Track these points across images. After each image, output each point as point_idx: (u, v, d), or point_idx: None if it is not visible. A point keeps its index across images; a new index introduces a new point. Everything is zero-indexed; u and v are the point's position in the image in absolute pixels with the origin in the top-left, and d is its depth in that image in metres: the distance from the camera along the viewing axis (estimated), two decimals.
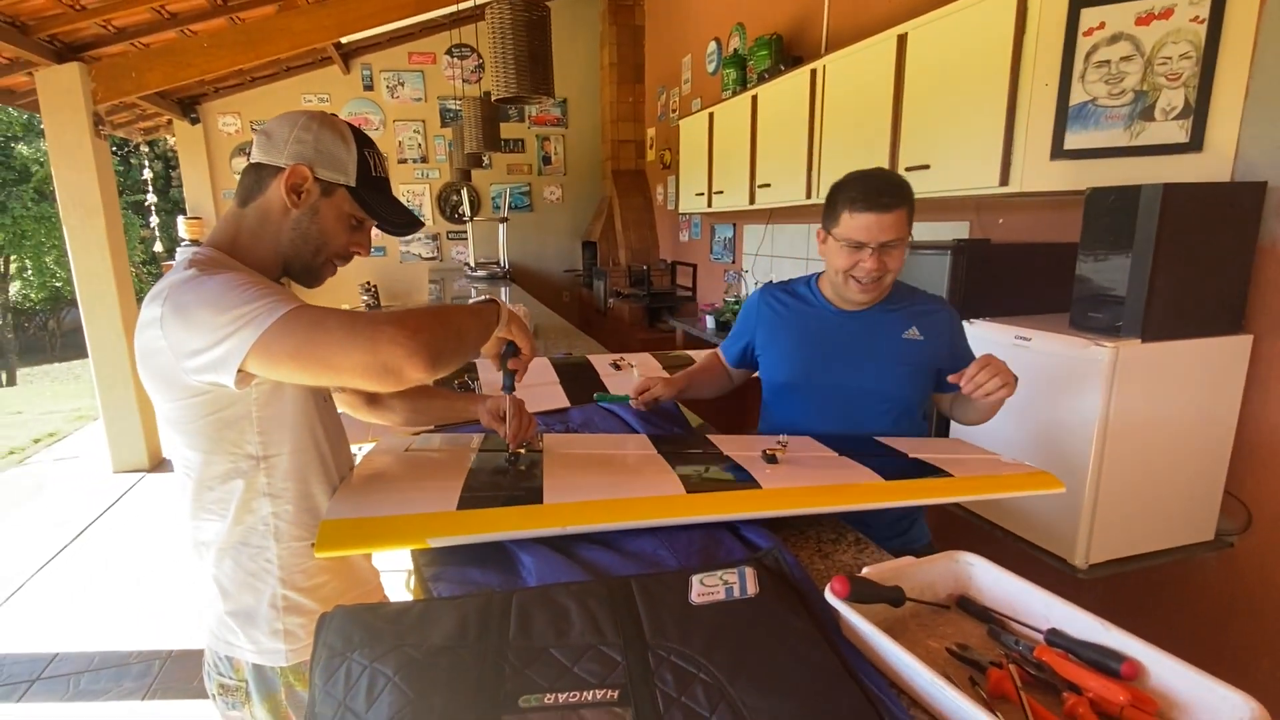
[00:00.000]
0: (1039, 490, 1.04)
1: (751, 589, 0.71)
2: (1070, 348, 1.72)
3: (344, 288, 5.34)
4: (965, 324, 2.02)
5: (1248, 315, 1.78)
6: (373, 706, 0.55)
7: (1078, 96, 1.96)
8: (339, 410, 1.19)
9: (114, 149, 7.90)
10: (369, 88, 5.95)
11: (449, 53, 5.79)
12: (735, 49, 4.18)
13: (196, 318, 0.75)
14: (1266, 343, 1.76)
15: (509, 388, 1.05)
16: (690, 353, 2.03)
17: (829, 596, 0.69)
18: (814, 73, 2.92)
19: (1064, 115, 1.99)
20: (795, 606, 0.70)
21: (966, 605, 0.77)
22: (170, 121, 5.56)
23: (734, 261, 4.56)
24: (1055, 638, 0.68)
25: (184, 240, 5.44)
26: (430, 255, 6.05)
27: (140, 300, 0.96)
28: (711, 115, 3.95)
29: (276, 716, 0.95)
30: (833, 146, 2.87)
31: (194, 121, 5.58)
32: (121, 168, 13.16)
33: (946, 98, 2.27)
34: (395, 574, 1.33)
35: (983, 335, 1.97)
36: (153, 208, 6.48)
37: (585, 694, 0.57)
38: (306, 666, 0.95)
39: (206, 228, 5.56)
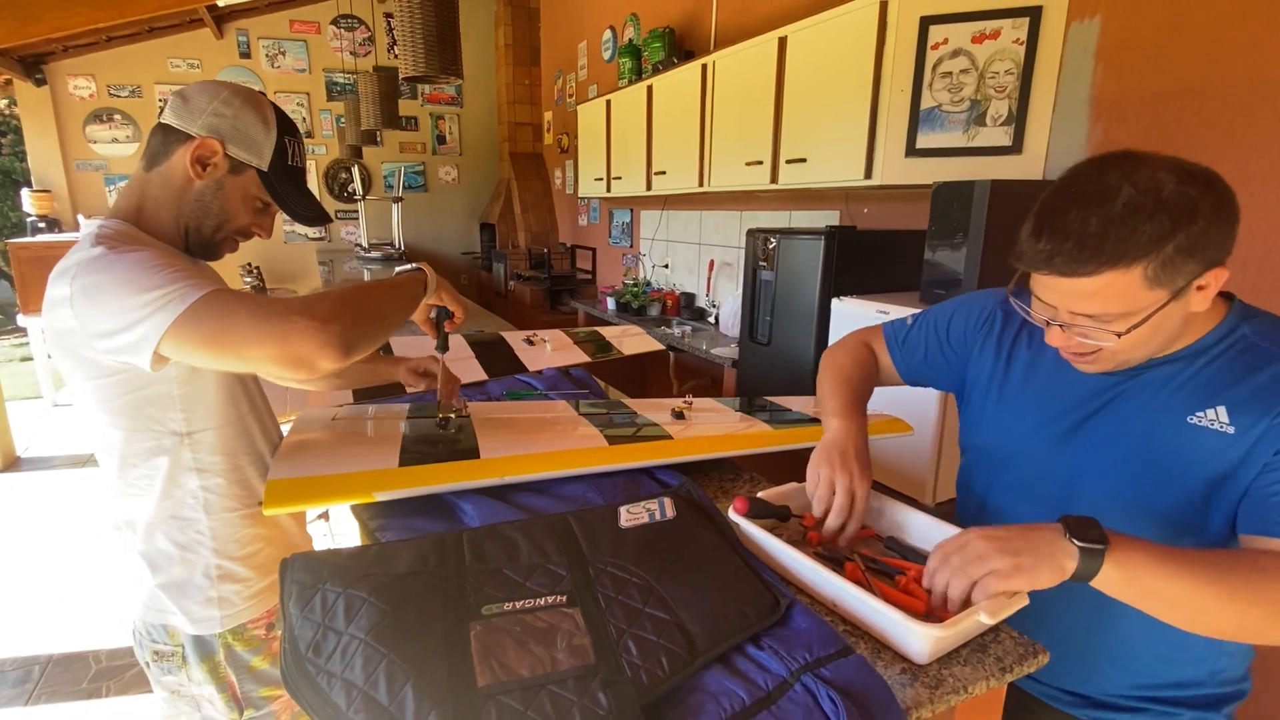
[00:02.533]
0: (893, 433, 1.27)
1: (670, 513, 0.85)
2: None
3: (224, 269, 4.94)
4: (835, 300, 2.30)
5: None
6: (353, 622, 0.63)
7: (927, 102, 2.27)
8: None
9: None
10: (246, 55, 5.51)
11: (335, 23, 5.48)
12: (630, 39, 4.30)
13: (108, 299, 0.74)
14: None
15: (443, 347, 1.10)
16: (599, 329, 2.15)
17: (731, 514, 0.85)
18: (705, 67, 3.10)
19: (916, 118, 2.29)
20: (705, 524, 0.85)
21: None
22: (9, 82, 4.87)
23: (632, 245, 4.71)
24: (891, 544, 0.88)
25: (30, 216, 4.80)
26: (318, 235, 5.73)
27: None
28: (609, 102, 4.05)
29: (216, 676, 0.98)
30: (722, 138, 3.07)
31: (39, 83, 4.92)
32: None
33: (821, 97, 2.51)
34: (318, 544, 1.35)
35: (848, 311, 2.24)
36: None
37: (538, 600, 0.69)
38: (245, 627, 0.99)
39: (57, 202, 4.94)
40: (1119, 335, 0.72)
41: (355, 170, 4.50)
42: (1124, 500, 0.80)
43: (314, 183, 5.75)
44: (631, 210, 4.64)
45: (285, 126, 0.95)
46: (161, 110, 0.91)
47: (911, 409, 2.05)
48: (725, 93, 3.01)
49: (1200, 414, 0.76)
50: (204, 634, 0.96)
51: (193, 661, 0.97)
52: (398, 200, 4.27)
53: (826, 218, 3.04)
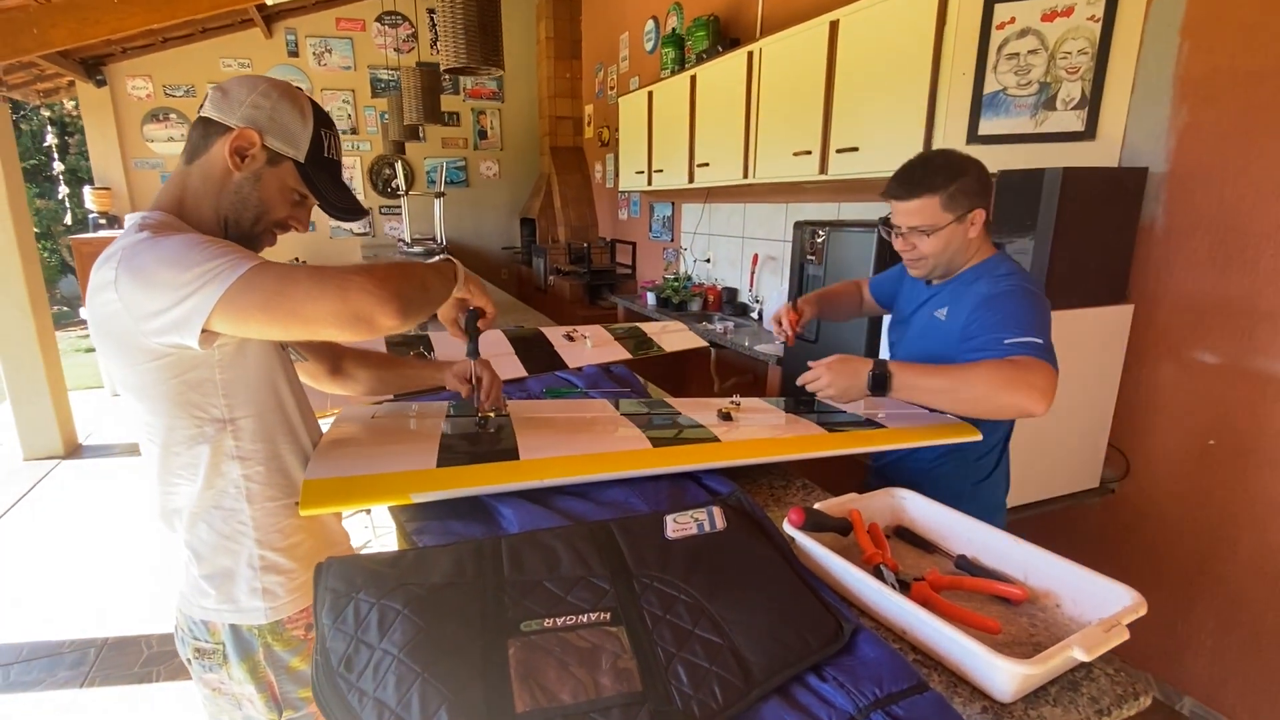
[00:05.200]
0: (958, 439, 1.18)
1: (720, 524, 0.80)
2: None
3: None
4: None
5: (1130, 287, 2.01)
6: (386, 636, 0.60)
7: (990, 86, 2.14)
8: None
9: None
10: (294, 54, 5.63)
11: (379, 20, 5.54)
12: (673, 28, 4.22)
13: (156, 277, 0.75)
14: (1144, 311, 1.99)
15: (474, 352, 1.08)
16: (639, 325, 2.10)
17: (786, 526, 0.79)
18: (750, 55, 3.01)
19: (979, 103, 2.16)
20: (758, 536, 0.79)
21: (903, 533, 0.88)
22: (72, 83, 5.08)
23: (672, 240, 4.65)
24: (963, 563, 0.80)
25: (92, 213, 5.00)
26: (362, 231, 5.82)
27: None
28: (651, 94, 3.99)
29: (255, 676, 0.97)
30: (769, 128, 2.98)
31: (100, 84, 5.12)
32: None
33: (875, 83, 2.40)
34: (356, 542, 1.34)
35: None
36: (61, 177, 5.90)
37: (580, 617, 0.64)
38: (284, 626, 0.97)
39: (116, 199, 5.14)
40: (928, 235, 1.23)
41: (399, 166, 4.55)
42: (924, 355, 1.32)
43: (359, 178, 5.84)
44: (673, 204, 4.57)
45: (321, 119, 0.93)
46: (203, 105, 0.90)
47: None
48: (772, 81, 2.92)
49: (939, 311, 1.31)
50: (248, 624, 0.95)
51: (233, 660, 0.96)
52: (440, 195, 4.29)
53: (878, 210, 2.92)
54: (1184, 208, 1.89)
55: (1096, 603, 0.69)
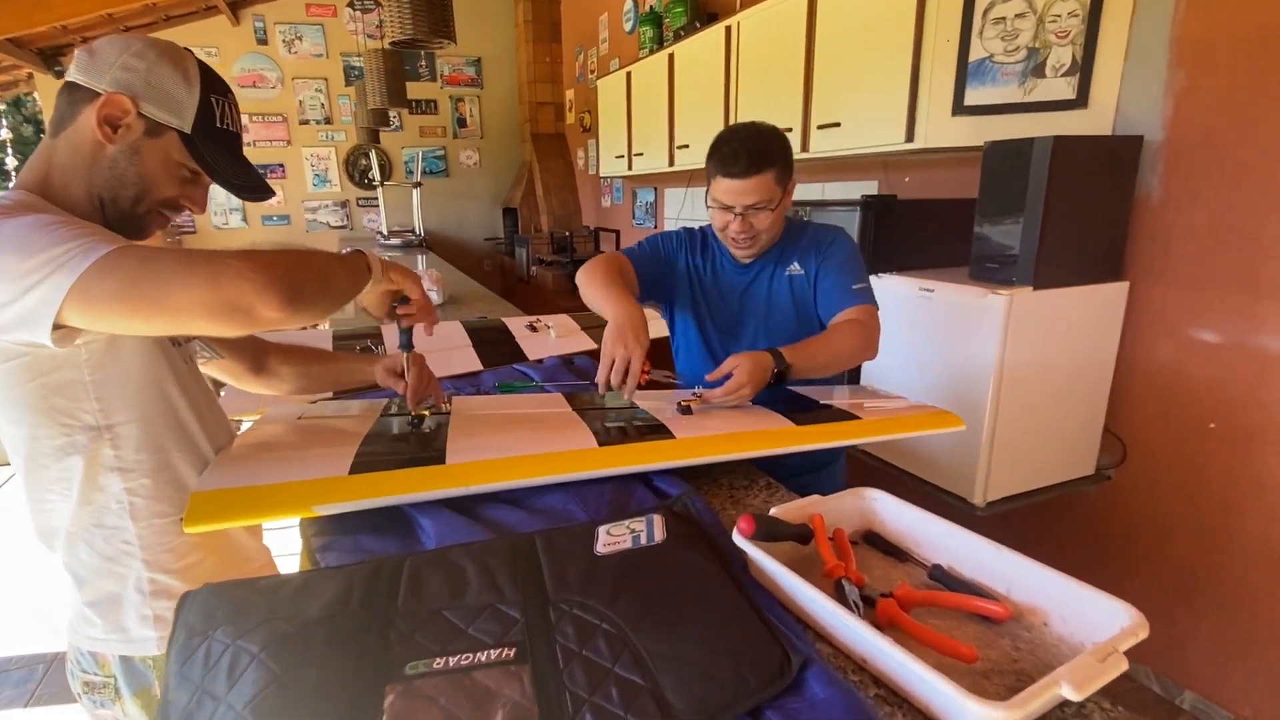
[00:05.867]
0: (941, 429, 1.08)
1: (659, 535, 0.69)
2: (969, 296, 1.80)
3: None
4: (874, 279, 2.08)
5: (1125, 263, 1.91)
6: (234, 688, 0.49)
7: (976, 53, 2.02)
8: (221, 380, 1.09)
9: None
10: (263, 41, 5.46)
11: (350, 5, 5.38)
12: (651, 6, 4.08)
13: None
14: (1141, 288, 1.89)
15: (405, 345, 0.98)
16: None
17: (736, 537, 0.68)
18: (728, 30, 2.88)
19: (964, 72, 2.04)
20: (702, 550, 0.68)
21: (873, 539, 0.78)
22: (31, 75, 4.91)
23: (656, 226, 4.53)
24: (938, 573, 0.70)
25: None
26: (340, 223, 5.68)
27: None
28: (629, 75, 3.86)
29: (151, 711, 0.87)
30: (748, 105, 2.86)
31: (59, 75, 4.95)
32: None
33: (856, 55, 2.28)
34: (291, 557, 1.24)
35: (890, 289, 2.03)
36: (14, 173, 5.73)
37: (479, 655, 0.54)
38: None
39: None
40: (768, 212, 1.23)
41: (373, 155, 4.40)
42: (777, 329, 1.34)
43: (334, 169, 5.69)
44: (655, 189, 4.45)
45: (212, 84, 0.82)
46: (68, 69, 0.79)
47: (961, 400, 1.85)
48: (751, 56, 2.80)
49: (790, 268, 1.34)
50: (140, 655, 0.85)
51: (126, 695, 0.86)
52: (417, 185, 4.15)
53: (863, 189, 2.81)
54: (1182, 178, 1.78)
55: (1089, 621, 0.59)
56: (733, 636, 0.56)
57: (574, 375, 1.42)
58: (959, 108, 2.08)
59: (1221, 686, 1.81)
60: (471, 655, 0.54)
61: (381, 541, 0.78)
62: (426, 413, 1.04)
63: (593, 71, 5.06)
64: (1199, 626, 1.85)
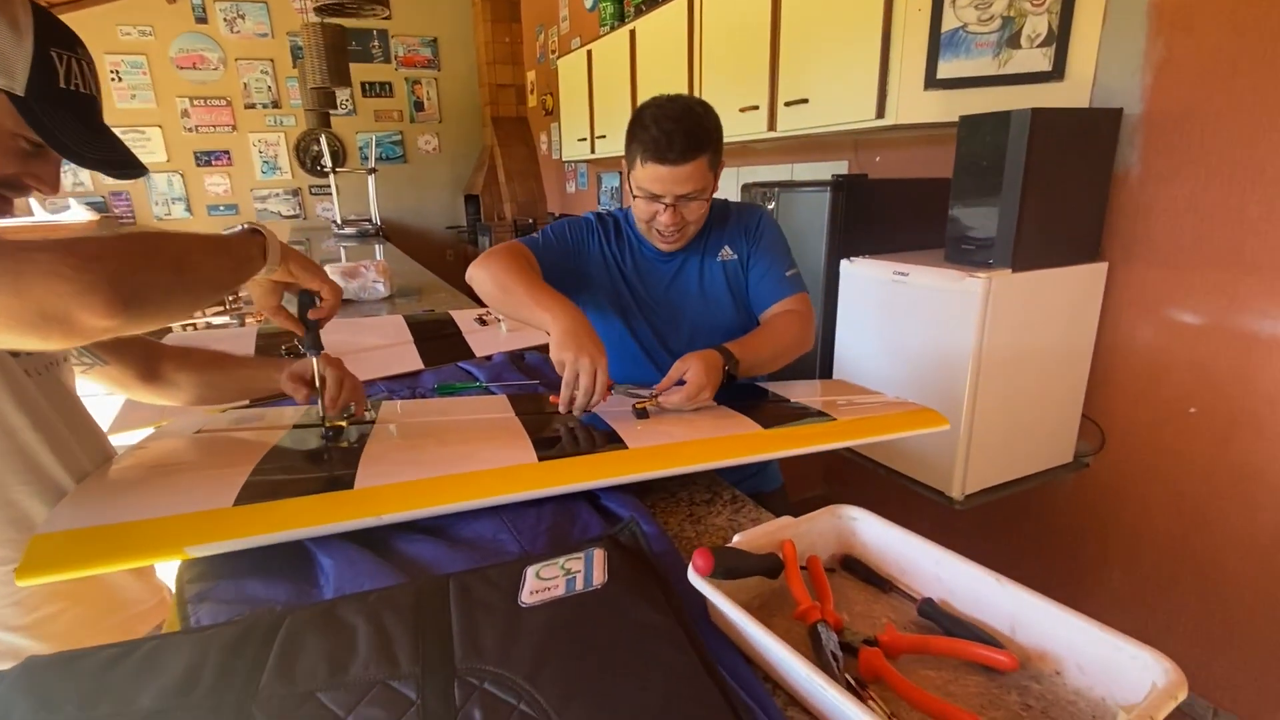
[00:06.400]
0: (924, 429, 0.98)
1: (598, 578, 0.57)
2: (945, 280, 1.71)
3: None
4: (845, 264, 1.98)
5: (1103, 243, 1.84)
6: None
7: (949, 22, 1.92)
8: (108, 389, 0.94)
9: None
10: (202, 20, 5.14)
11: None
12: None
13: None
14: (1119, 270, 1.82)
15: (313, 345, 0.84)
16: None
17: (692, 576, 0.57)
18: (691, 2, 2.75)
19: (936, 43, 1.94)
20: (650, 594, 0.57)
21: (852, 566, 0.67)
22: None
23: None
24: (929, 609, 0.60)
25: None
26: (292, 213, 5.41)
27: None
28: (590, 53, 3.70)
29: None
30: (713, 83, 2.73)
31: None
32: None
33: (824, 26, 2.17)
34: None
35: (861, 274, 1.94)
36: None
37: None
38: None
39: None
40: (706, 200, 1.13)
41: (324, 140, 4.17)
42: (717, 321, 1.24)
43: (284, 155, 5.41)
44: (620, 173, 4.30)
45: (51, 34, 0.66)
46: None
47: (938, 389, 1.76)
48: (715, 29, 2.67)
49: (722, 253, 1.23)
50: None
51: None
52: (371, 172, 3.94)
53: (833, 169, 2.71)
54: (1161, 152, 1.71)
55: (1113, 672, 0.48)
56: (676, 711, 0.45)
57: (523, 374, 1.29)
58: (931, 81, 1.98)
59: (1202, 675, 1.76)
60: None
61: (270, 587, 0.65)
62: (344, 423, 0.90)
63: (554, 51, 4.88)
64: (1179, 615, 1.81)
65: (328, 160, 4.01)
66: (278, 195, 5.45)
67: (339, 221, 4.20)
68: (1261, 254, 1.56)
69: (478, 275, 1.10)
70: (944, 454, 1.78)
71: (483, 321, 1.64)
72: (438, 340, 1.49)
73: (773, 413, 0.98)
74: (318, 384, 0.88)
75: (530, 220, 4.79)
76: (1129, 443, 1.89)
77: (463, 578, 0.59)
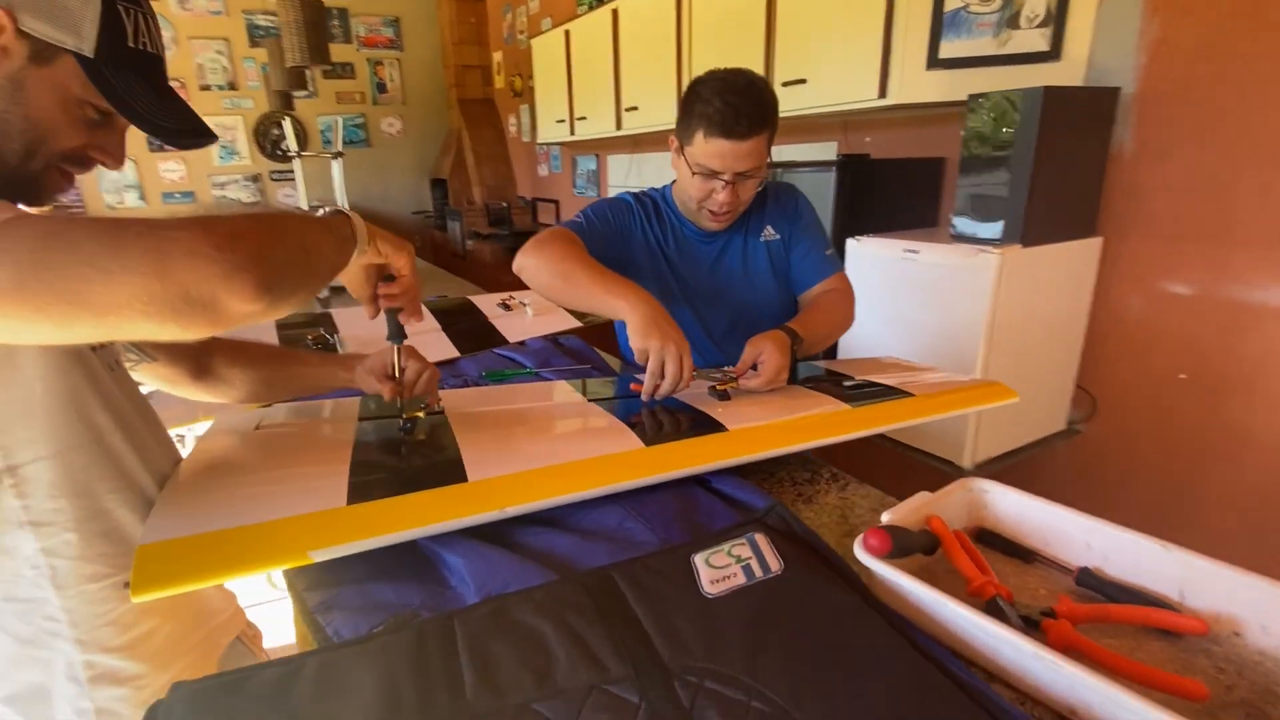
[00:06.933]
0: (996, 402, 0.99)
1: (773, 564, 0.55)
2: (958, 256, 1.73)
3: None
4: (853, 243, 2.00)
5: (1100, 218, 1.90)
6: None
7: (951, 3, 1.93)
8: (150, 388, 0.86)
9: None
10: None
11: None
12: None
13: None
14: (1113, 244, 1.89)
15: (396, 335, 0.79)
16: None
17: (864, 557, 0.55)
18: None
19: (939, 23, 1.96)
20: (830, 577, 0.55)
21: (988, 539, 0.67)
22: None
23: (599, 195, 4.33)
24: (1087, 578, 0.60)
25: None
26: (252, 200, 5.12)
27: None
28: (568, 33, 3.60)
29: None
30: (704, 62, 2.69)
31: None
32: None
33: (824, 8, 2.16)
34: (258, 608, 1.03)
35: (869, 253, 1.96)
36: None
37: None
38: None
39: None
40: (760, 179, 1.11)
41: (287, 123, 3.94)
42: (762, 302, 1.24)
43: (243, 140, 5.11)
44: (597, 156, 4.23)
45: None
46: None
47: (949, 363, 1.80)
48: (706, 9, 2.63)
49: (765, 233, 1.22)
50: None
51: None
52: (338, 156, 3.76)
53: (822, 150, 2.72)
54: (1155, 130, 1.77)
55: None
56: (927, 706, 0.44)
57: (569, 358, 1.25)
58: (934, 61, 2.00)
59: None
60: None
61: (399, 591, 0.61)
62: (420, 413, 0.86)
63: (522, 32, 4.74)
64: None
65: (292, 144, 3.79)
66: (237, 181, 5.15)
67: (305, 208, 4.01)
68: (1251, 228, 1.64)
69: (530, 264, 1.06)
70: (956, 424, 1.82)
71: (506, 306, 1.59)
72: (465, 327, 1.43)
73: (852, 391, 0.97)
74: (397, 376, 0.83)
75: (503, 204, 4.67)
76: (1120, 410, 1.97)
77: (626, 570, 0.56)
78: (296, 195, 4.82)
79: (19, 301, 0.43)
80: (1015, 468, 2.01)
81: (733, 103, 1.00)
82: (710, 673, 0.45)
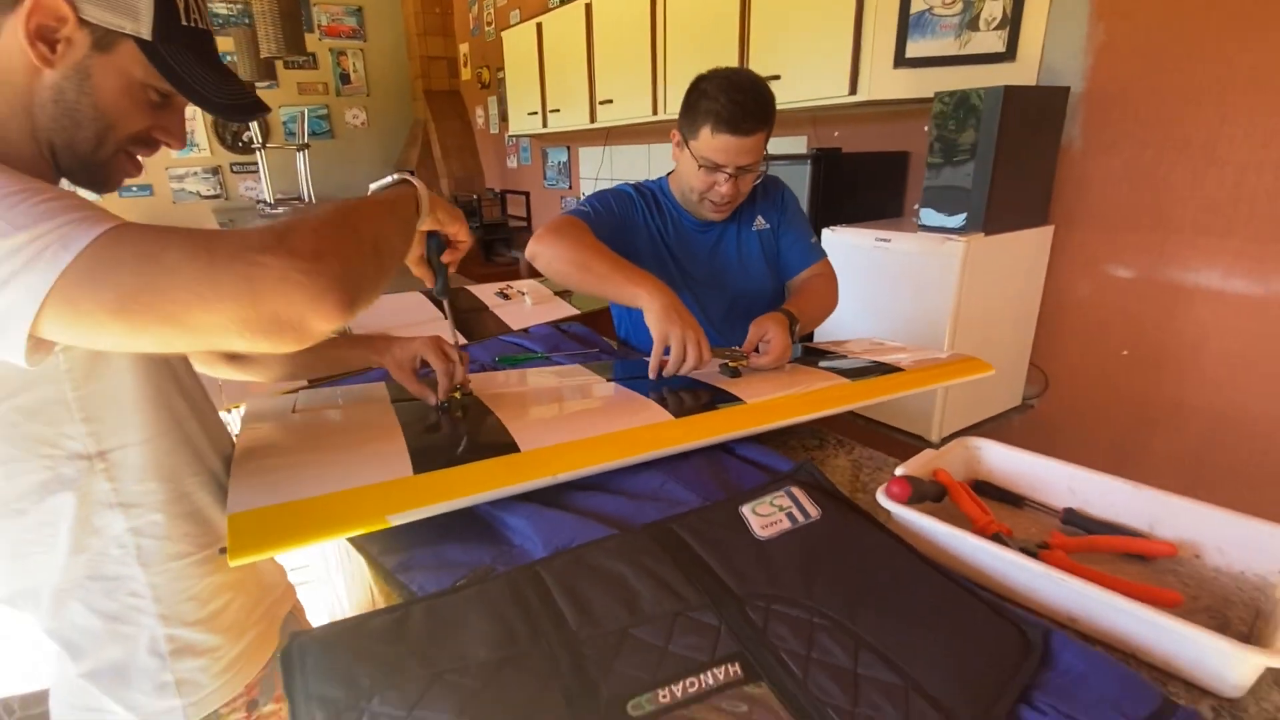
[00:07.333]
0: (974, 375, 1.09)
1: (812, 511, 0.63)
2: (927, 244, 1.85)
3: None
4: (828, 233, 2.11)
5: (1051, 209, 2.05)
6: None
7: (917, 5, 2.05)
8: None
9: None
10: None
11: None
12: None
13: None
14: (1063, 232, 2.04)
15: (443, 290, 0.83)
16: None
17: (887, 502, 0.64)
18: None
19: (905, 23, 2.07)
20: (860, 520, 0.63)
21: (983, 489, 0.77)
22: None
23: (570, 187, 4.35)
24: (1072, 517, 0.70)
25: None
26: (212, 193, 4.95)
27: None
28: (540, 26, 3.61)
29: None
30: (679, 58, 2.76)
31: None
32: None
33: (797, 7, 2.25)
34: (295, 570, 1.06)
35: (843, 241, 2.06)
36: None
37: (702, 678, 0.46)
38: (219, 715, 0.71)
39: None
40: (758, 172, 1.19)
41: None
42: (755, 288, 1.32)
43: (201, 132, 4.93)
44: (568, 148, 4.26)
45: None
46: None
47: (921, 343, 1.92)
48: (681, 5, 2.69)
49: (756, 223, 1.31)
50: None
51: None
52: (304, 148, 3.69)
53: (792, 144, 2.82)
54: (1101, 127, 1.92)
55: (1252, 549, 0.60)
56: (958, 614, 0.52)
57: (577, 343, 1.31)
58: (901, 60, 2.11)
59: None
60: (695, 680, 0.45)
61: (468, 550, 0.66)
62: (455, 394, 0.91)
63: (489, 24, 4.71)
64: None
65: (256, 136, 3.71)
66: (196, 174, 4.97)
67: (270, 201, 3.92)
68: (1184, 217, 1.80)
69: (545, 252, 1.10)
70: (924, 401, 1.94)
71: (505, 295, 1.63)
72: (468, 315, 1.47)
73: (847, 368, 1.06)
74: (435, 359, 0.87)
75: (472, 196, 4.65)
76: (1070, 385, 2.13)
77: (682, 522, 0.63)
78: (260, 188, 4.71)
79: (123, 323, 0.46)
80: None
81: (739, 100, 1.08)
82: (775, 597, 0.53)
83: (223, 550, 0.64)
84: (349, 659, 0.46)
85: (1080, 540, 0.65)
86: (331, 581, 1.21)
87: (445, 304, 0.86)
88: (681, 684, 0.45)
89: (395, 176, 0.72)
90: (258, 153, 3.73)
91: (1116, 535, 0.65)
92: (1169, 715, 0.43)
